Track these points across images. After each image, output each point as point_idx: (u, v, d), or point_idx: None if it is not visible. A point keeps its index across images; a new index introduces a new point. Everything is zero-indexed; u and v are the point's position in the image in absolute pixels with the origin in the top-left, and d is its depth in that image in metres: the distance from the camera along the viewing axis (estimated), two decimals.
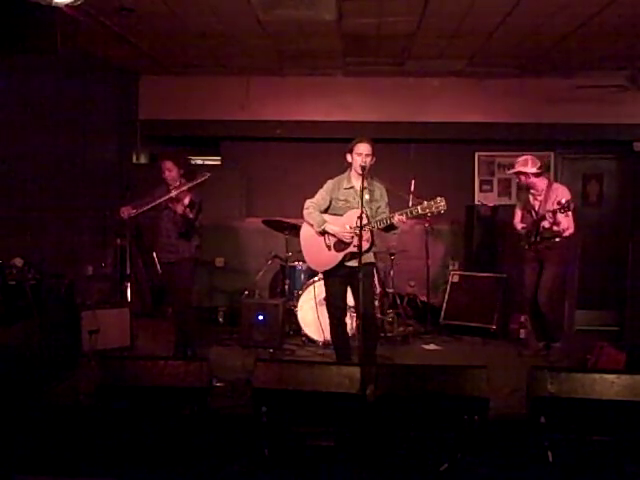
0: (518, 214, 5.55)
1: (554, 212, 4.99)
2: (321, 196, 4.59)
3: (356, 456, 3.28)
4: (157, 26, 5.51)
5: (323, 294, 5.78)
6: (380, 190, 4.57)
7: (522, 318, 5.97)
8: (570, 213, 5.09)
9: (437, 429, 3.31)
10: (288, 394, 3.34)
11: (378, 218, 4.40)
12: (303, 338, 5.96)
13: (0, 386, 3.90)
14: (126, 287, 6.42)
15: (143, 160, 7.93)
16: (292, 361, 4.87)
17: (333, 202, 4.56)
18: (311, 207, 4.56)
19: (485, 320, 6.31)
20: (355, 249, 4.27)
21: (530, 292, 5.44)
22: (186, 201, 4.88)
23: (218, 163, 8.00)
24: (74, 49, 5.71)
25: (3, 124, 5.12)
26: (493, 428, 3.38)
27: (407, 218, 4.25)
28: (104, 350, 5.12)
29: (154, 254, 6.75)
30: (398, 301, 6.44)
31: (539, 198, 5.30)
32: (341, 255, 4.44)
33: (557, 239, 5.20)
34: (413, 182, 5.49)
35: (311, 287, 5.92)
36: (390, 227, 4.39)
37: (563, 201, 4.89)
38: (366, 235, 4.32)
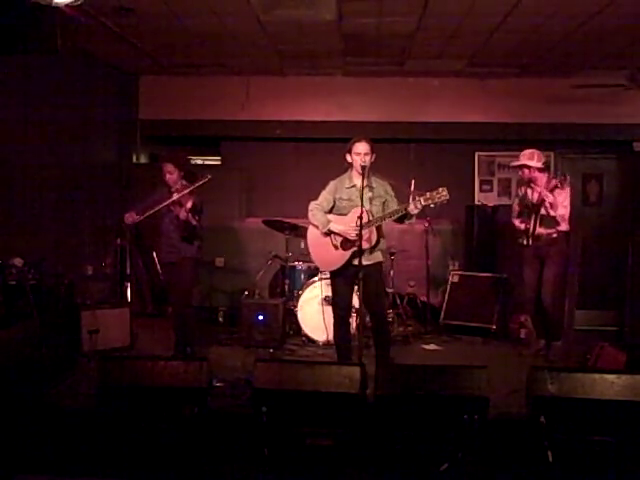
0: (515, 210, 5.54)
1: (552, 190, 5.00)
2: (324, 197, 4.61)
3: (356, 456, 3.28)
4: (157, 26, 5.51)
5: (324, 294, 5.83)
6: (383, 186, 4.58)
7: (522, 318, 5.97)
8: (568, 203, 5.09)
9: (437, 429, 3.31)
10: (288, 394, 3.34)
11: (389, 210, 4.41)
12: (303, 338, 5.96)
13: (0, 386, 3.90)
14: (126, 287, 6.42)
15: (143, 160, 7.94)
16: (292, 361, 4.87)
17: (337, 202, 4.58)
18: (315, 209, 4.58)
19: (485, 320, 6.31)
20: (367, 244, 4.30)
21: (532, 291, 5.42)
22: (189, 205, 4.88)
23: (218, 163, 8.00)
24: (74, 49, 5.70)
25: (3, 124, 5.12)
26: (493, 428, 3.38)
27: (420, 207, 4.25)
28: (104, 350, 5.12)
29: (154, 254, 6.77)
30: (398, 301, 6.45)
31: (538, 189, 5.29)
32: (348, 253, 4.44)
33: (555, 234, 5.19)
34: (413, 182, 5.48)
35: (311, 287, 5.93)
36: (404, 217, 4.39)
37: (559, 177, 4.93)
38: (369, 234, 4.33)
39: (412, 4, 4.89)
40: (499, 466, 3.32)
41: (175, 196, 4.94)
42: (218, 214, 6.78)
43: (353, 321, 5.10)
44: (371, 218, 4.36)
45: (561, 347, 5.42)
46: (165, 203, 4.96)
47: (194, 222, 4.95)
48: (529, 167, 5.27)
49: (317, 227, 4.58)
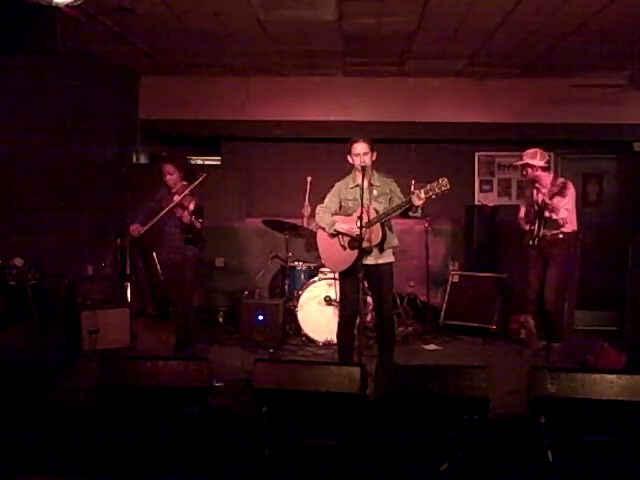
0: (522, 210, 5.55)
1: (551, 196, 5.01)
2: (329, 199, 4.64)
3: (356, 456, 3.28)
4: (157, 26, 5.51)
5: (324, 294, 5.83)
6: (388, 184, 4.58)
7: (522, 318, 5.97)
8: (571, 205, 5.10)
9: (437, 429, 3.31)
10: (288, 394, 3.33)
11: (392, 206, 4.41)
12: (303, 338, 5.96)
13: (0, 386, 3.90)
14: (126, 287, 6.42)
15: (143, 160, 7.93)
16: (292, 361, 4.87)
17: (343, 203, 4.60)
18: (321, 211, 4.62)
19: (485, 320, 6.31)
20: (367, 243, 4.31)
21: (534, 291, 5.43)
22: (191, 207, 4.88)
23: (218, 163, 8.00)
24: (74, 49, 5.70)
25: (3, 124, 5.12)
26: (493, 428, 3.38)
27: (423, 197, 4.23)
28: (104, 350, 5.12)
29: (154, 254, 6.76)
30: (398, 301, 6.44)
31: (543, 191, 5.30)
32: (356, 253, 4.44)
33: (560, 235, 5.20)
34: (413, 182, 5.48)
35: (311, 287, 5.93)
36: (408, 210, 4.38)
37: (559, 182, 4.93)
38: (369, 233, 4.33)
39: (412, 4, 4.89)
40: (499, 466, 3.32)
41: (176, 198, 4.94)
42: (218, 214, 6.78)
43: (355, 321, 5.09)
44: (373, 215, 4.36)
45: (561, 347, 5.42)
46: (168, 208, 4.97)
47: (198, 225, 4.95)
48: (532, 166, 5.28)
49: (324, 229, 4.60)
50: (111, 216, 6.87)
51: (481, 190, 7.73)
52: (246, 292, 6.57)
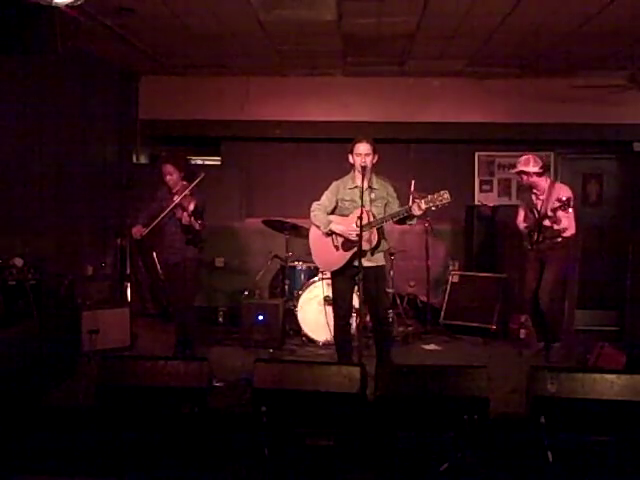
0: (521, 214, 5.54)
1: (555, 210, 5.00)
2: (326, 197, 4.62)
3: (356, 456, 3.28)
4: (157, 26, 5.51)
5: (324, 294, 5.83)
6: (386, 188, 4.58)
7: (522, 318, 5.97)
8: (571, 213, 5.09)
9: (437, 429, 3.31)
10: (288, 394, 3.34)
11: (391, 212, 4.41)
12: (303, 338, 5.96)
13: (0, 386, 3.90)
14: (126, 287, 6.43)
15: (143, 160, 7.93)
16: (292, 361, 4.87)
17: (339, 203, 4.58)
18: (317, 209, 4.59)
19: (485, 320, 6.31)
20: (367, 245, 4.31)
21: (530, 292, 5.44)
22: (191, 207, 4.85)
23: (218, 163, 8.00)
24: (74, 49, 5.69)
25: (3, 124, 5.12)
26: (493, 428, 3.38)
27: (424, 208, 4.25)
28: (104, 350, 5.12)
29: (154, 254, 6.77)
30: (398, 301, 6.45)
31: (541, 197, 5.31)
32: (349, 254, 4.44)
33: (559, 239, 5.20)
34: (413, 182, 5.48)
35: (311, 287, 5.93)
36: (405, 218, 4.40)
37: (564, 198, 4.91)
38: (369, 235, 4.33)
39: (412, 4, 4.89)
40: (499, 466, 3.32)
41: (176, 198, 4.92)
42: (218, 214, 6.78)
43: (353, 321, 5.10)
44: (372, 219, 4.36)
45: (561, 347, 5.42)
46: (169, 208, 4.95)
47: (197, 227, 4.92)
48: (527, 173, 5.29)
49: (319, 227, 4.59)
50: (111, 216, 6.87)
51: (481, 190, 7.73)
52: (246, 292, 6.57)
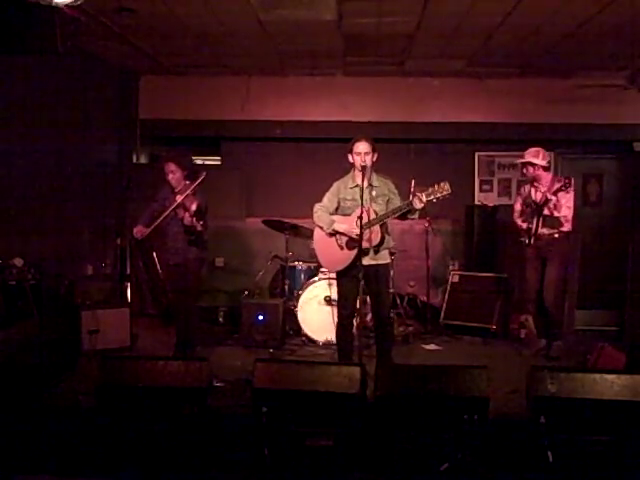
0: (517, 209, 5.53)
1: (556, 191, 5.00)
2: (328, 198, 4.63)
3: (356, 456, 3.28)
4: (157, 26, 5.51)
5: (324, 294, 5.83)
6: (387, 185, 4.58)
7: (522, 318, 5.97)
8: (572, 203, 5.09)
9: (437, 429, 3.31)
10: (288, 394, 3.34)
11: (392, 208, 4.42)
12: (303, 338, 5.96)
13: (0, 386, 3.90)
14: (126, 287, 6.42)
15: (143, 160, 7.94)
16: (292, 361, 4.87)
17: (341, 202, 4.59)
18: (319, 210, 4.60)
19: (485, 320, 6.31)
20: (366, 244, 4.31)
21: (533, 291, 5.43)
22: (193, 207, 4.78)
23: (218, 163, 8.00)
24: (74, 49, 5.70)
25: (3, 124, 5.12)
26: (493, 428, 3.38)
27: (425, 201, 4.24)
28: (104, 350, 5.12)
29: (154, 254, 6.76)
30: (398, 301, 6.44)
31: (542, 190, 5.29)
32: (353, 253, 4.44)
33: (556, 234, 5.19)
34: (413, 182, 5.48)
35: (311, 287, 5.93)
36: (407, 212, 4.39)
37: (564, 178, 4.92)
38: (369, 233, 4.33)
39: (412, 4, 4.89)
40: (499, 466, 3.32)
41: (179, 198, 4.86)
42: (218, 214, 6.77)
43: (354, 321, 5.11)
44: (373, 217, 4.36)
45: (561, 347, 5.42)
46: (171, 208, 4.89)
47: (199, 227, 4.86)
48: (533, 165, 5.27)
49: (322, 228, 4.60)
50: (111, 216, 6.87)
51: (481, 190, 7.73)
52: (246, 292, 6.57)
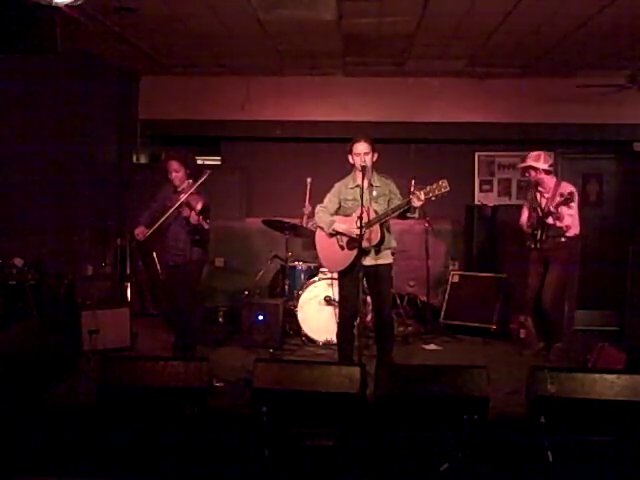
0: (525, 213, 5.53)
1: (557, 205, 5.00)
2: (329, 199, 4.65)
3: (356, 456, 3.28)
4: (157, 26, 5.51)
5: (324, 294, 5.83)
6: (387, 185, 4.59)
7: (522, 318, 5.97)
8: (575, 211, 5.10)
9: (437, 429, 3.31)
10: (288, 394, 3.34)
11: (392, 207, 4.42)
12: (303, 338, 5.96)
13: (0, 386, 3.90)
14: (126, 287, 6.42)
15: (143, 160, 7.94)
16: (292, 361, 4.87)
17: (342, 203, 4.60)
18: (320, 211, 4.62)
19: (485, 320, 6.31)
20: (367, 243, 4.31)
21: (533, 292, 5.43)
22: (199, 207, 4.73)
23: (218, 163, 8.00)
24: (74, 49, 5.71)
25: (3, 124, 5.12)
26: (493, 428, 3.38)
27: (423, 199, 4.23)
28: (104, 350, 5.12)
29: (154, 254, 6.76)
30: (398, 301, 6.44)
31: (546, 195, 5.30)
32: (354, 253, 4.44)
33: (562, 239, 5.19)
34: (413, 182, 5.48)
35: (311, 287, 5.93)
36: (406, 211, 4.39)
37: (566, 192, 4.91)
38: (369, 233, 4.33)
39: (412, 4, 4.89)
40: (499, 466, 3.32)
41: (182, 197, 4.79)
42: (218, 214, 6.77)
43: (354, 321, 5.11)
44: (373, 216, 4.36)
45: (561, 348, 5.42)
46: (174, 207, 4.81)
47: (206, 226, 4.81)
48: (535, 168, 5.27)
49: (323, 229, 4.60)
50: (111, 216, 6.87)
51: (481, 190, 7.73)
52: (246, 292, 6.57)
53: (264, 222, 6.48)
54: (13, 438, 3.47)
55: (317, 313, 5.84)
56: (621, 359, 4.71)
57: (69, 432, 3.57)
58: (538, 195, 5.39)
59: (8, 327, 4.54)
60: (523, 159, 5.51)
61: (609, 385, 3.19)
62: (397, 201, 4.52)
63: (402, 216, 4.46)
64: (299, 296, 5.95)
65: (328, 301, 5.78)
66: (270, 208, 7.29)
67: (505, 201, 7.48)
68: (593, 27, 5.28)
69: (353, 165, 4.53)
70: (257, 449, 3.25)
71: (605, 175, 7.49)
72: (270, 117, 7.45)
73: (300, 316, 5.92)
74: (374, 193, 4.47)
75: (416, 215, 4.48)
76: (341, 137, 5.80)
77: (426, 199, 4.23)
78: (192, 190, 4.79)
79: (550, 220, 5.18)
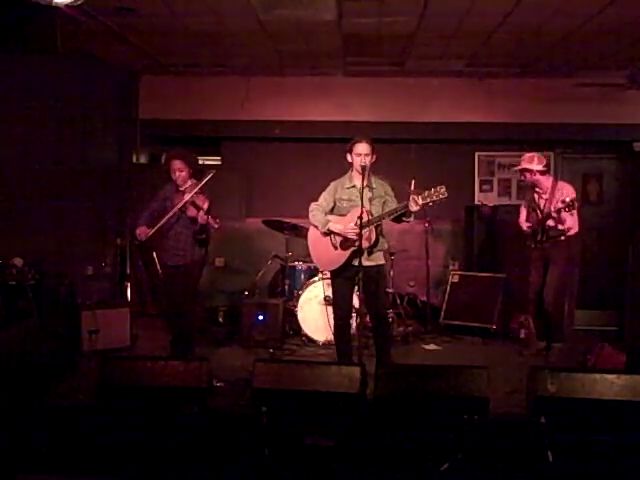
0: (523, 213, 5.54)
1: (559, 211, 5.00)
2: (324, 198, 4.63)
3: (356, 456, 3.28)
4: (157, 26, 5.51)
5: (324, 294, 5.83)
6: (384, 187, 4.59)
7: (522, 318, 5.97)
8: (575, 212, 5.10)
9: (437, 429, 3.31)
10: (288, 394, 3.34)
11: (388, 209, 4.42)
12: (303, 338, 5.96)
13: (0, 386, 3.90)
14: (126, 287, 6.42)
15: (143, 160, 7.93)
16: (292, 361, 4.87)
17: (337, 203, 4.59)
18: (315, 209, 4.60)
19: (485, 320, 6.31)
20: (366, 243, 4.31)
21: (534, 292, 5.44)
22: (206, 206, 4.69)
23: (218, 163, 8.00)
24: (74, 49, 5.70)
25: (3, 124, 5.12)
26: (493, 428, 3.38)
27: (420, 203, 4.22)
28: (104, 350, 5.11)
29: (154, 254, 6.75)
30: (398, 301, 6.44)
31: (544, 197, 5.30)
32: (347, 253, 4.45)
33: (562, 237, 5.19)
34: (413, 182, 5.48)
35: (311, 287, 5.93)
36: (402, 215, 4.39)
37: (567, 199, 4.91)
38: (368, 233, 4.33)
39: (412, 4, 4.89)
40: (499, 466, 3.32)
41: (187, 196, 4.76)
42: (218, 214, 6.77)
43: (353, 321, 5.11)
44: (370, 218, 4.36)
45: (561, 347, 5.42)
46: (178, 206, 4.76)
47: (217, 225, 4.74)
48: (530, 170, 5.28)
49: (317, 227, 4.59)
50: (111, 216, 6.87)
51: (481, 190, 7.73)
52: (246, 292, 6.57)
53: (264, 222, 6.48)
54: (13, 438, 3.47)
55: (317, 313, 5.84)
56: (621, 359, 4.72)
57: (69, 432, 3.57)
58: (536, 196, 5.39)
59: (8, 327, 4.54)
60: (517, 157, 5.52)
61: (609, 385, 3.19)
62: (392, 203, 4.52)
63: (397, 220, 4.46)
64: (299, 296, 5.95)
65: (328, 301, 5.77)
66: (270, 208, 7.29)
67: (505, 201, 7.48)
68: (593, 27, 5.28)
69: (351, 165, 4.53)
70: (257, 449, 3.25)
71: (605, 175, 7.49)
72: (270, 117, 7.44)
73: (300, 316, 5.92)
74: (370, 194, 4.47)
75: (411, 219, 4.49)
76: (341, 137, 5.79)
77: (423, 204, 4.23)
78: (196, 190, 4.76)
79: (551, 222, 5.19)
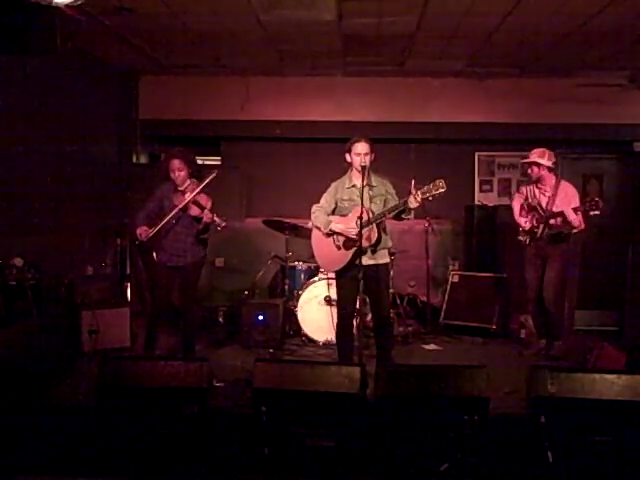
0: (517, 207, 5.51)
1: (577, 209, 4.98)
2: (325, 199, 4.64)
3: (356, 456, 3.28)
4: (157, 26, 5.51)
5: (324, 294, 5.83)
6: (384, 185, 4.59)
7: (522, 318, 5.98)
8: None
9: (437, 429, 3.31)
10: (288, 394, 3.34)
11: (388, 207, 4.41)
12: (303, 338, 5.96)
13: (0, 386, 3.90)
14: (126, 287, 6.41)
15: (143, 160, 7.93)
16: (292, 361, 4.87)
17: (339, 203, 4.60)
18: (317, 210, 4.61)
19: (485, 320, 6.31)
20: (367, 242, 4.31)
21: (533, 290, 5.43)
22: (209, 205, 4.69)
23: (218, 163, 8.00)
24: (74, 49, 5.69)
25: (3, 124, 5.12)
26: (493, 428, 3.38)
27: (420, 199, 4.21)
28: (104, 350, 5.11)
29: (154, 254, 6.74)
30: (398, 301, 6.44)
31: (547, 194, 5.29)
32: (350, 253, 4.44)
33: (573, 231, 5.18)
34: (413, 181, 5.48)
35: (311, 287, 5.92)
36: (402, 212, 4.38)
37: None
38: (369, 232, 4.33)
39: (412, 4, 4.89)
40: (499, 466, 3.32)
41: (188, 196, 4.75)
42: (218, 214, 6.78)
43: (354, 321, 5.11)
44: (370, 216, 4.36)
45: (561, 347, 5.42)
46: (180, 206, 4.74)
47: (224, 224, 4.73)
48: (539, 165, 5.26)
49: (319, 228, 4.60)
50: (111, 216, 6.86)
51: (481, 190, 7.74)
52: (246, 292, 6.56)
53: (264, 222, 6.48)
54: (13, 438, 3.47)
55: (317, 313, 5.84)
56: (621, 359, 4.71)
57: (69, 432, 3.57)
58: (537, 192, 5.38)
59: (8, 327, 4.53)
60: (525, 157, 5.49)
61: (609, 385, 3.19)
62: (393, 201, 4.52)
63: (397, 217, 4.45)
64: (299, 296, 5.95)
65: (328, 301, 5.78)
66: (270, 208, 7.29)
67: (505, 201, 7.47)
68: (593, 27, 5.28)
69: (350, 165, 4.53)
70: (257, 449, 3.25)
71: (605, 175, 7.48)
72: (270, 117, 7.44)
73: (300, 316, 5.92)
74: (371, 193, 4.47)
75: (411, 216, 4.47)
76: (341, 137, 5.78)
77: (423, 199, 4.22)
78: (198, 190, 4.75)
79: (553, 221, 5.19)
